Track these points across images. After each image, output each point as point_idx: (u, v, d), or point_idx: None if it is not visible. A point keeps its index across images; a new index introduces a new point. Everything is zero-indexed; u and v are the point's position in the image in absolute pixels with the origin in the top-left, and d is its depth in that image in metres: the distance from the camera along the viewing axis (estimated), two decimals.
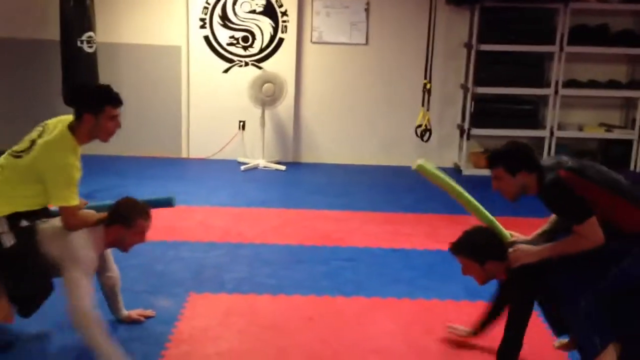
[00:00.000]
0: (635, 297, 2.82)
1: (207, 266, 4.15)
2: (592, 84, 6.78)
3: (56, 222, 3.02)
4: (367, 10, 6.80)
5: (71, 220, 2.96)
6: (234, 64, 6.86)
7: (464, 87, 6.82)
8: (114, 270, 3.32)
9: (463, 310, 3.69)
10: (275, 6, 6.74)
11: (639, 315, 2.84)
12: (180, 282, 3.88)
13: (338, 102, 7.00)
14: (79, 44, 5.89)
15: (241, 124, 6.94)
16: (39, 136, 3.05)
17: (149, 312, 3.45)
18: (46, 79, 6.70)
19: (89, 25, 5.95)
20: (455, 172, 6.89)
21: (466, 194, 3.19)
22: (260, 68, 6.80)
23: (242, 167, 6.61)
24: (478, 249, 3.02)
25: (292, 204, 5.57)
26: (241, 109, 6.84)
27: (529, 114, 6.85)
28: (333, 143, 7.05)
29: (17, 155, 3.01)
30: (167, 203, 3.36)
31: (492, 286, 3.99)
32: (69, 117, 3.12)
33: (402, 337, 3.33)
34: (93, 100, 3.07)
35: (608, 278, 2.79)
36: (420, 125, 6.53)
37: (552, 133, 6.74)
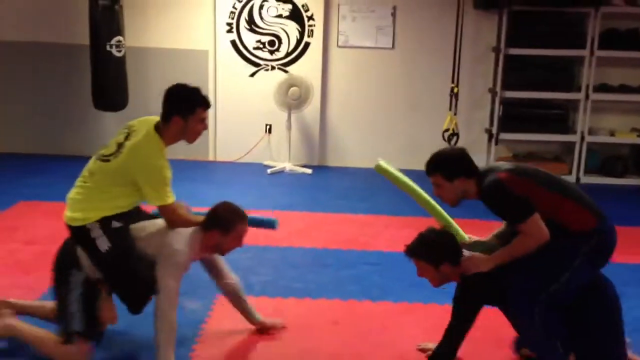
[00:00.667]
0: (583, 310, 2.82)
1: (234, 269, 4.13)
2: (624, 89, 6.67)
3: (149, 224, 3.04)
4: (393, 14, 6.78)
5: (172, 216, 2.95)
6: (260, 68, 6.89)
7: (492, 91, 6.76)
8: (231, 277, 3.30)
9: (489, 315, 3.62)
10: (302, 10, 6.76)
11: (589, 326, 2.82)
12: (207, 284, 3.88)
13: (364, 106, 6.98)
14: (108, 48, 5.98)
15: (268, 127, 6.96)
16: (126, 139, 3.02)
17: (278, 323, 3.41)
18: (76, 83, 6.80)
19: (118, 30, 6.03)
20: None
21: (425, 195, 3.19)
22: (286, 72, 6.81)
23: (269, 171, 6.62)
24: (433, 251, 2.98)
25: (318, 207, 5.56)
26: (267, 112, 6.86)
27: (559, 118, 6.76)
28: (359, 147, 7.03)
29: (106, 160, 2.99)
30: (270, 225, 3.33)
31: None
32: (153, 118, 3.11)
33: (428, 342, 3.28)
34: (184, 103, 3.05)
35: (553, 285, 2.77)
36: (447, 130, 6.50)
37: (582, 138, 6.64)
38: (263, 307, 3.56)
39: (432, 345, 3.16)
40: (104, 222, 2.94)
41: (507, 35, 6.45)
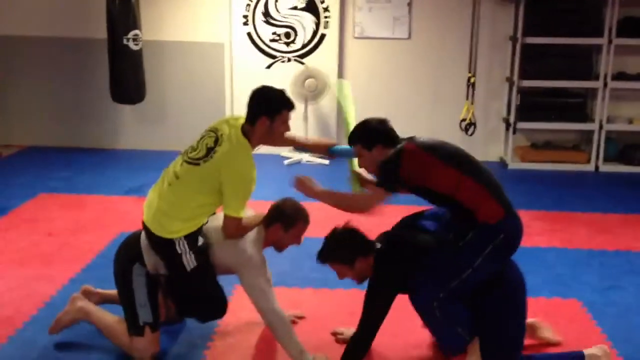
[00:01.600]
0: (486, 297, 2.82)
1: None
2: None
3: (213, 228, 3.06)
4: (409, 4, 6.75)
5: (234, 231, 3.00)
6: (276, 60, 6.90)
7: (510, 80, 6.72)
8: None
9: None
10: (317, 2, 6.75)
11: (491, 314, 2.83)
12: (226, 275, 3.92)
13: (381, 96, 6.97)
14: (125, 42, 6.01)
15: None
16: (216, 143, 3.00)
17: (298, 314, 3.46)
18: (93, 77, 6.86)
19: (135, 24, 6.07)
20: (501, 166, 6.79)
21: (350, 121, 3.37)
22: (302, 64, 6.82)
23: (286, 162, 6.65)
24: (343, 251, 2.96)
25: None
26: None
27: (577, 107, 6.71)
28: None
29: (195, 163, 2.99)
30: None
31: (539, 281, 3.94)
32: (237, 121, 3.10)
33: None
34: (271, 103, 3.06)
35: (455, 277, 2.77)
36: (464, 119, 6.47)
37: (601, 126, 6.58)
38: (281, 298, 3.56)
39: (346, 330, 3.19)
40: (191, 237, 2.97)
41: (524, 24, 6.40)
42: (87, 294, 3.32)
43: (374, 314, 2.89)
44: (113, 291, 3.26)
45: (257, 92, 3.10)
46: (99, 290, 3.37)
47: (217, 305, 3.16)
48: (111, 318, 3.11)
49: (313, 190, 3.00)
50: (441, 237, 2.94)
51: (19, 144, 7.12)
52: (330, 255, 2.98)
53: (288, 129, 3.12)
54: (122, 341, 3.02)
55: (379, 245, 2.98)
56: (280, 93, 3.08)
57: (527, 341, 3.00)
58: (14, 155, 6.84)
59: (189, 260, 2.96)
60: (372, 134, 2.96)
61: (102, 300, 3.33)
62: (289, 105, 3.08)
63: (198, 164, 2.97)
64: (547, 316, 3.50)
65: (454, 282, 2.77)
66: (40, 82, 7.05)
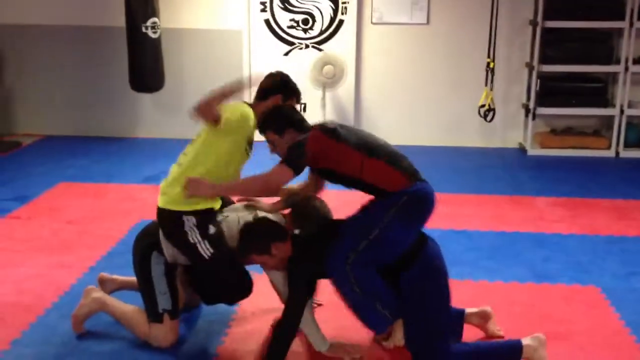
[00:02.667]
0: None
1: None
2: None
3: (232, 221, 3.07)
4: None
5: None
6: (294, 46, 6.88)
7: (529, 66, 6.64)
8: None
9: (527, 292, 3.63)
10: None
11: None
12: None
13: (399, 83, 6.93)
14: (143, 30, 6.04)
15: (302, 106, 6.96)
16: None
17: (316, 301, 3.46)
18: (112, 65, 6.89)
19: (153, 11, 6.09)
20: (520, 152, 6.74)
21: None
22: (320, 50, 6.79)
23: None
24: (256, 242, 2.90)
25: None
26: (302, 91, 6.80)
27: (598, 92, 6.61)
28: (394, 124, 6.99)
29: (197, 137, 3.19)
30: None
31: (559, 268, 3.92)
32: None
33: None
34: (290, 86, 3.20)
35: (365, 243, 2.77)
36: (483, 105, 6.42)
37: (622, 111, 6.49)
38: None
39: None
40: (202, 226, 2.98)
41: (544, 8, 6.32)
42: (105, 281, 3.36)
43: (296, 297, 2.86)
44: (130, 278, 3.31)
45: (278, 73, 3.24)
46: (116, 276, 3.40)
47: (242, 286, 3.16)
48: (128, 307, 3.14)
49: (208, 189, 2.96)
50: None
51: (39, 133, 7.19)
52: (247, 248, 2.93)
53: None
54: (141, 329, 3.05)
55: (297, 231, 2.96)
56: (295, 85, 3.23)
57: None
58: (34, 144, 6.91)
59: (205, 249, 2.97)
60: (282, 119, 3.00)
61: (119, 287, 3.37)
62: (299, 97, 3.23)
63: (200, 135, 3.12)
64: (565, 302, 3.49)
65: (362, 242, 2.76)
66: (59, 71, 7.09)
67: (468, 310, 3.12)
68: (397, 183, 2.81)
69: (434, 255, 2.87)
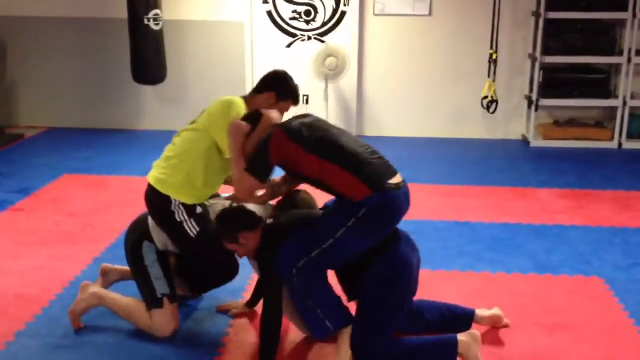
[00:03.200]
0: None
1: None
2: None
3: (220, 204, 3.10)
4: None
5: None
6: (296, 38, 6.87)
7: (532, 57, 6.63)
8: None
9: (530, 283, 3.63)
10: None
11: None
12: (244, 260, 3.95)
13: (401, 74, 6.92)
14: (145, 21, 6.02)
15: (304, 98, 6.95)
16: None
17: None
18: (114, 57, 6.89)
19: (155, 3, 6.07)
20: (522, 144, 6.73)
21: None
22: (322, 42, 6.78)
23: None
24: (224, 230, 2.88)
25: None
26: (304, 83, 6.85)
27: (600, 83, 6.60)
28: (397, 116, 6.99)
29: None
30: None
31: (561, 259, 3.92)
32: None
33: None
34: (288, 86, 3.17)
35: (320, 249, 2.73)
36: (486, 97, 6.41)
37: (624, 102, 6.48)
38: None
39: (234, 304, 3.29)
40: (189, 207, 3.00)
41: None
42: (107, 272, 3.37)
43: (269, 285, 2.84)
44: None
45: (280, 71, 3.20)
46: (118, 266, 3.42)
47: (229, 265, 3.20)
48: (127, 299, 3.14)
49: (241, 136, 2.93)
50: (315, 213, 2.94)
51: (42, 125, 7.20)
52: (218, 235, 2.92)
53: (280, 119, 3.05)
54: (141, 319, 3.06)
55: (269, 221, 2.95)
56: (296, 86, 3.19)
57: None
58: (37, 136, 6.91)
59: (191, 227, 2.98)
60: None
61: (122, 277, 3.38)
62: (297, 100, 3.17)
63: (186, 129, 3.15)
64: (568, 293, 3.50)
65: (315, 250, 2.72)
66: (62, 63, 7.09)
67: (479, 312, 3.08)
68: (357, 192, 2.68)
69: (400, 253, 2.82)
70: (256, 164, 2.81)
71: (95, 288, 3.18)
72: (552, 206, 4.87)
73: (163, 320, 3.02)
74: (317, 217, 2.86)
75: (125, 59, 6.37)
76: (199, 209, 3.03)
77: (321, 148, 2.75)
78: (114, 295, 3.16)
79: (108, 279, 3.36)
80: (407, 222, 4.48)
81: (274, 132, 2.82)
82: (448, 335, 2.80)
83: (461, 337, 2.76)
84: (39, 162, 5.96)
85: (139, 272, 3.07)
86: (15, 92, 7.22)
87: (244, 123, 2.92)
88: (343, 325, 2.81)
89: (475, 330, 2.83)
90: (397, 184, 2.77)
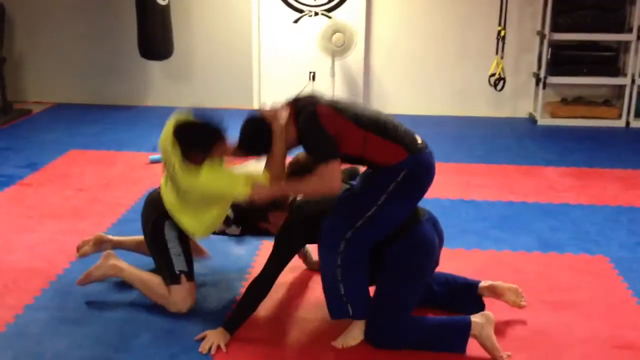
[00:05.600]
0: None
1: None
2: None
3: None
4: None
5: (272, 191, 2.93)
6: (303, 14, 6.83)
7: (540, 34, 6.57)
8: None
9: (535, 261, 3.65)
10: None
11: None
12: None
13: (409, 51, 6.88)
14: None
15: (311, 74, 6.93)
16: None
17: None
18: (122, 33, 6.87)
19: None
20: (530, 122, 6.70)
21: None
22: (329, 18, 6.74)
23: None
24: (255, 211, 2.94)
25: None
26: (311, 59, 6.83)
27: (609, 60, 6.55)
28: (403, 93, 6.97)
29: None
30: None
31: (567, 238, 3.93)
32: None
33: None
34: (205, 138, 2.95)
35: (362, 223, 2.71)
36: (493, 74, 6.38)
37: (633, 81, 6.44)
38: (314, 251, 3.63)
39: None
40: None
41: None
42: (101, 242, 3.42)
43: (278, 260, 2.86)
44: (125, 237, 3.43)
45: (179, 129, 2.94)
46: (111, 237, 3.47)
47: None
48: (145, 273, 3.16)
49: (267, 190, 2.81)
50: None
51: (50, 101, 7.21)
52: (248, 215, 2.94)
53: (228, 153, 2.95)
54: (159, 294, 3.08)
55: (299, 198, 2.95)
56: (206, 124, 2.96)
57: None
58: (45, 112, 6.93)
59: (174, 247, 3.09)
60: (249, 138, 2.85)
61: (115, 246, 3.42)
62: (220, 136, 2.96)
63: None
64: (573, 271, 3.51)
65: (359, 220, 2.70)
66: (69, 39, 7.08)
67: (483, 283, 3.09)
68: (395, 157, 2.69)
69: (423, 232, 2.82)
70: (323, 148, 2.66)
71: (117, 261, 3.20)
72: (558, 185, 4.87)
73: (180, 296, 3.04)
74: (353, 191, 2.83)
75: (133, 35, 6.35)
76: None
77: (366, 121, 2.71)
78: (133, 269, 3.19)
79: (102, 249, 3.41)
80: None
81: (318, 112, 2.66)
82: (462, 317, 2.81)
83: (475, 318, 2.77)
84: (46, 137, 5.98)
85: (158, 248, 3.09)
86: (23, 68, 7.22)
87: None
88: (363, 318, 2.82)
89: (489, 311, 2.85)
90: (424, 144, 2.82)
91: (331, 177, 2.64)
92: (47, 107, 7.06)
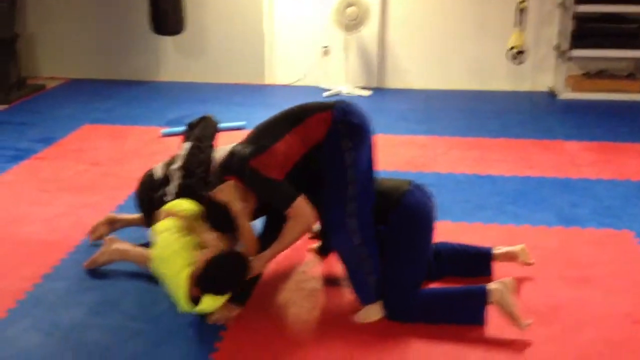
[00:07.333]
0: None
1: None
2: None
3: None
4: None
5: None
6: None
7: (563, 6, 6.42)
8: None
9: (555, 236, 3.57)
10: None
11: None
12: None
13: (424, 24, 6.75)
14: None
15: (324, 49, 6.84)
16: None
17: None
18: (134, 8, 6.82)
19: None
20: (550, 96, 6.58)
21: None
22: None
23: (325, 94, 6.55)
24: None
25: (375, 129, 5.46)
26: (324, 34, 6.73)
27: (634, 33, 6.37)
28: (419, 67, 6.86)
29: None
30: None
31: (588, 213, 3.85)
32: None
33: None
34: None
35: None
36: (513, 47, 6.25)
37: None
38: None
39: None
40: None
41: None
42: (113, 222, 3.43)
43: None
44: (136, 215, 3.40)
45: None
46: (122, 216, 3.47)
47: None
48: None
49: (258, 265, 2.75)
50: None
51: (63, 77, 7.20)
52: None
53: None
54: None
55: None
56: None
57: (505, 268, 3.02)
58: (59, 87, 6.92)
59: None
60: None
61: (127, 225, 3.43)
62: None
63: None
64: (595, 247, 3.43)
65: (347, 190, 2.66)
66: (82, 15, 7.04)
67: (496, 251, 3.09)
68: (324, 122, 2.70)
69: (414, 203, 2.80)
70: (281, 195, 2.63)
71: (121, 245, 3.19)
72: (579, 159, 4.77)
73: None
74: (322, 176, 2.76)
75: (145, 10, 6.29)
76: None
77: (281, 129, 2.72)
78: (138, 250, 3.16)
79: (113, 228, 3.42)
80: (427, 175, 4.46)
81: (254, 167, 2.61)
82: (478, 285, 2.77)
83: (492, 285, 2.71)
84: (60, 112, 5.96)
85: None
86: (36, 44, 7.20)
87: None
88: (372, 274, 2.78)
89: (508, 277, 2.79)
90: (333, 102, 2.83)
91: (303, 214, 2.62)
92: (60, 82, 7.05)
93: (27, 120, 5.69)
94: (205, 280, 2.58)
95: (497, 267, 3.13)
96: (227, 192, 2.67)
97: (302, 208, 2.63)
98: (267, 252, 2.74)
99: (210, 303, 2.64)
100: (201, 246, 2.73)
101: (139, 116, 5.83)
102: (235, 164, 2.68)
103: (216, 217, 2.72)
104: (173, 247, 2.68)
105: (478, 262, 3.08)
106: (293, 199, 2.62)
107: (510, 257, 3.10)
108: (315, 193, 2.73)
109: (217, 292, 2.63)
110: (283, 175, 2.65)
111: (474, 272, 3.07)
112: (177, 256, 2.66)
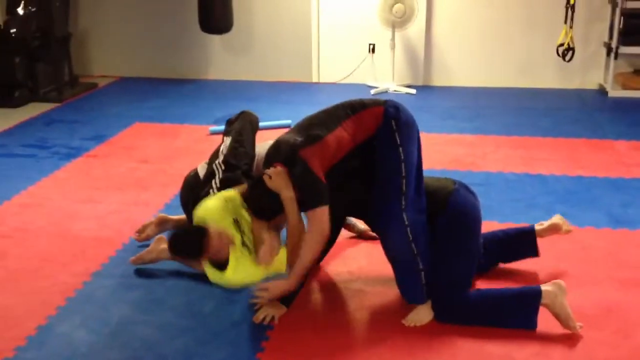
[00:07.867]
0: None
1: None
2: None
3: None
4: None
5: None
6: None
7: (613, 2, 6.28)
8: None
9: (603, 237, 3.51)
10: None
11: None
12: None
13: (471, 21, 6.69)
14: None
15: (371, 47, 6.84)
16: None
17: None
18: (183, 7, 6.92)
19: None
20: (599, 94, 6.45)
21: None
22: None
23: (372, 91, 6.56)
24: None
25: (422, 128, 5.31)
26: (371, 31, 6.73)
27: None
28: (466, 65, 6.80)
29: None
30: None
31: (639, 213, 3.77)
32: None
33: (536, 262, 3.21)
34: None
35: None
36: (562, 44, 6.15)
37: None
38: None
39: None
40: None
41: None
42: (163, 222, 3.48)
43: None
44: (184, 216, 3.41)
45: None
46: (174, 217, 3.52)
47: None
48: None
49: (281, 288, 2.75)
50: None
51: (114, 75, 7.36)
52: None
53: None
54: None
55: None
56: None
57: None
58: (110, 85, 7.08)
59: None
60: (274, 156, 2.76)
61: (176, 226, 3.46)
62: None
63: None
64: None
65: (401, 184, 2.67)
66: (133, 15, 7.18)
67: (538, 226, 3.12)
68: (376, 118, 2.75)
69: (462, 202, 2.80)
70: (314, 194, 2.63)
71: (165, 245, 3.21)
72: (630, 159, 4.67)
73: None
74: (374, 173, 2.78)
75: (194, 9, 6.39)
76: None
77: (330, 122, 2.74)
78: None
79: (163, 228, 3.47)
80: (476, 174, 4.43)
81: (304, 157, 2.62)
82: (531, 287, 2.75)
83: (546, 287, 2.69)
84: (112, 110, 6.11)
85: None
86: (89, 43, 7.38)
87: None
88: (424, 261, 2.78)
89: (560, 280, 2.77)
90: (382, 99, 2.89)
91: (322, 221, 2.61)
92: (111, 80, 7.22)
93: (80, 119, 5.84)
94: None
95: (543, 272, 3.10)
96: (281, 179, 2.66)
97: (324, 215, 2.62)
98: (297, 269, 2.71)
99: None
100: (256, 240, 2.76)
101: (188, 114, 5.93)
102: (284, 151, 2.69)
103: (260, 202, 2.74)
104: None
105: (522, 242, 3.08)
106: (322, 203, 2.61)
107: (553, 229, 3.11)
108: (349, 192, 2.77)
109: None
110: (324, 170, 2.67)
111: (520, 254, 3.09)
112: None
